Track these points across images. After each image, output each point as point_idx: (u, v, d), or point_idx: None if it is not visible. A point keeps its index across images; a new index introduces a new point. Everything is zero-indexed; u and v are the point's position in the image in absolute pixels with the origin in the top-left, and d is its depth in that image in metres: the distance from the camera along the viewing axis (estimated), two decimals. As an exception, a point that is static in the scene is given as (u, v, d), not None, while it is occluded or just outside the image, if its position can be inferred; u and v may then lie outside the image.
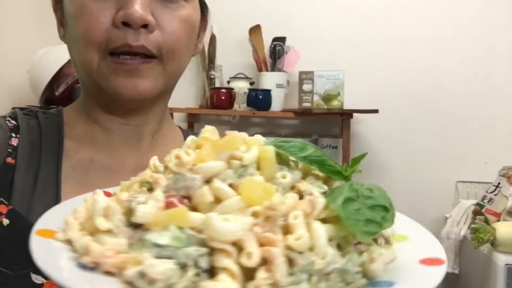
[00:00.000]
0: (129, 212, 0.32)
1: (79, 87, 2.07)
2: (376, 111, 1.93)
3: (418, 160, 2.06)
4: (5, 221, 0.51)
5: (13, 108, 0.66)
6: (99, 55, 0.53)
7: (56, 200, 0.54)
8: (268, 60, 2.09)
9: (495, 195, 1.70)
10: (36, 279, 0.51)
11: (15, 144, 0.57)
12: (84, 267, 0.30)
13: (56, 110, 0.65)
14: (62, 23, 0.61)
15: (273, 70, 2.08)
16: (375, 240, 0.35)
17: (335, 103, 2.00)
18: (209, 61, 2.11)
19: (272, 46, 2.07)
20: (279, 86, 2.07)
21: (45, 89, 1.83)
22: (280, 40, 2.07)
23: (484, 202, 1.74)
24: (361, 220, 0.31)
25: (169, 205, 0.32)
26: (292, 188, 0.35)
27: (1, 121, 0.59)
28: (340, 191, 0.33)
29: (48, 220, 0.36)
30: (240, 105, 2.10)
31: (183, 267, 0.28)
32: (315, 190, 0.34)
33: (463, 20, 2.01)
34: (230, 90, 2.06)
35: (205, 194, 0.32)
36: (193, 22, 0.58)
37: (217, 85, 2.12)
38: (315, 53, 2.12)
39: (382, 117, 1.99)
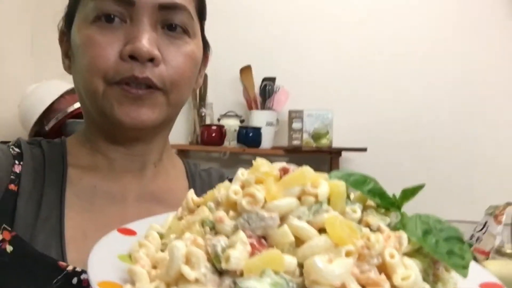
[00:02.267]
0: (215, 258, 0.31)
1: (70, 122, 2.01)
2: (364, 149, 1.98)
3: (405, 198, 2.09)
4: (9, 248, 0.51)
5: (1, 142, 0.66)
6: (105, 84, 0.55)
7: (60, 226, 0.54)
8: (258, 99, 2.13)
9: (483, 234, 1.74)
10: None
11: (18, 171, 0.57)
12: None
13: (59, 140, 0.65)
14: (67, 54, 0.62)
15: (263, 108, 2.11)
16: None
17: (324, 141, 2.04)
18: (200, 99, 2.14)
19: (262, 85, 2.12)
20: (268, 124, 2.10)
21: (35, 123, 1.80)
22: (270, 80, 2.13)
23: (472, 241, 1.77)
24: (445, 253, 0.32)
25: (253, 249, 0.31)
26: (359, 221, 0.36)
27: (5, 148, 0.59)
28: (413, 223, 0.34)
29: (100, 268, 0.33)
30: (230, 142, 2.11)
31: None
32: (381, 223, 0.35)
33: (450, 63, 2.12)
34: (221, 127, 2.07)
35: (287, 234, 0.32)
36: (196, 58, 0.61)
37: (208, 122, 2.13)
38: (304, 93, 2.17)
39: (370, 156, 2.04)
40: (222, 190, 0.39)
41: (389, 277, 0.31)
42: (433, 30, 2.13)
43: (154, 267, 0.34)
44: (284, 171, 0.38)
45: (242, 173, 0.41)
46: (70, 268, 0.50)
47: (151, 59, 0.54)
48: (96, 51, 0.54)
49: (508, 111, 2.09)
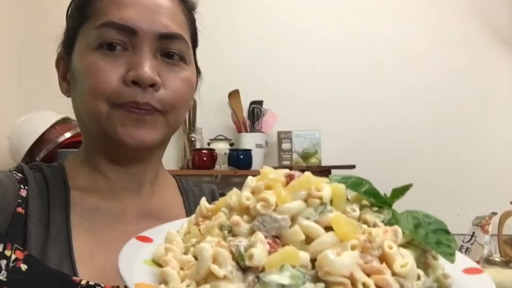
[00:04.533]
0: (239, 256, 0.35)
1: (61, 152, 2.01)
2: (353, 166, 2.03)
3: (394, 213, 2.14)
4: (23, 266, 0.53)
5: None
6: (108, 106, 0.59)
7: (69, 245, 0.57)
8: (247, 122, 2.18)
9: (471, 244, 1.78)
10: None
11: (24, 195, 0.60)
12: None
13: (57, 163, 0.68)
14: (65, 78, 0.66)
15: (252, 131, 2.16)
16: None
17: (313, 161, 2.10)
18: (190, 124, 2.17)
19: (251, 109, 2.17)
20: (258, 146, 2.14)
21: (25, 155, 1.80)
22: (258, 103, 2.18)
23: (461, 252, 1.81)
24: (434, 243, 0.36)
25: (270, 247, 0.35)
26: (358, 219, 0.40)
27: (10, 174, 0.62)
28: (405, 218, 0.38)
29: (131, 272, 0.37)
30: (221, 165, 2.14)
31: None
32: (377, 219, 0.39)
33: (434, 79, 2.21)
34: (211, 151, 2.11)
35: (299, 233, 0.36)
36: (192, 83, 0.66)
37: (198, 146, 2.16)
38: (291, 114, 2.23)
39: (359, 172, 2.08)
40: (234, 197, 0.42)
41: (389, 266, 0.34)
42: (415, 48, 2.23)
43: (181, 268, 0.37)
44: (290, 177, 0.42)
45: (251, 180, 0.45)
46: (84, 282, 0.53)
47: (152, 85, 0.59)
48: (100, 76, 0.58)
49: (491, 123, 2.18)
